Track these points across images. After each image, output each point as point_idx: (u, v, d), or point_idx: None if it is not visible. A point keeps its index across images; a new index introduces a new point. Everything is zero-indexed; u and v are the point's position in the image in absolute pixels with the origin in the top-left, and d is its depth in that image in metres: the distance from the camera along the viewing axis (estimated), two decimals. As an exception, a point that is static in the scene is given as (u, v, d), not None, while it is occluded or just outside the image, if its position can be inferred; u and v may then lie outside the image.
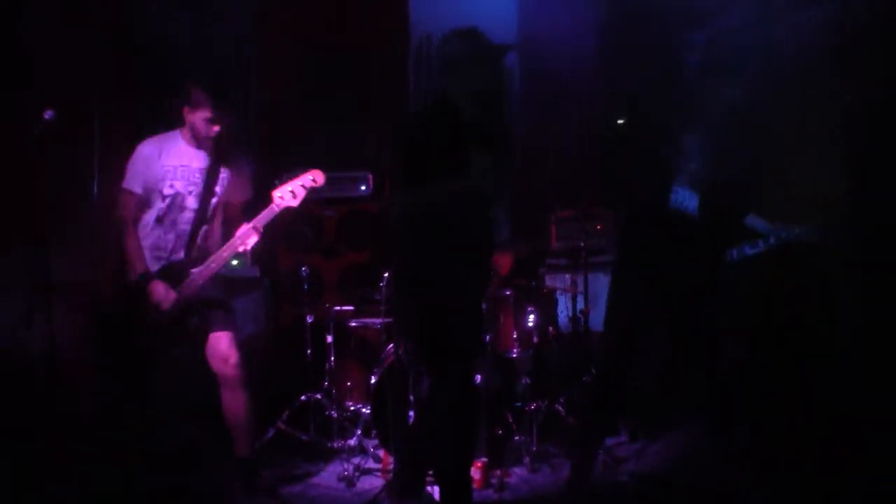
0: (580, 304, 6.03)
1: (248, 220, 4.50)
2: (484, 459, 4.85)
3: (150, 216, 4.48)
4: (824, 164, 5.78)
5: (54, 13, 5.45)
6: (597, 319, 6.06)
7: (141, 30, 6.04)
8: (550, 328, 5.74)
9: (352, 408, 5.63)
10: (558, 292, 6.18)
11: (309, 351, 5.75)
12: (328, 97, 6.98)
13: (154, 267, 4.45)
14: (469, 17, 7.28)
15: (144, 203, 4.46)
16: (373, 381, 5.30)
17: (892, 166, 5.47)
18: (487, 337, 5.31)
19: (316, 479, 5.06)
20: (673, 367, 5.30)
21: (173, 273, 4.46)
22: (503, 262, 5.90)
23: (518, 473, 4.99)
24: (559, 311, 6.13)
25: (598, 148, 7.22)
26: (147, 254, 4.45)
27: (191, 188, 4.51)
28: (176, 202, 4.48)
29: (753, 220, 4.49)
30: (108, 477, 4.46)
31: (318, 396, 5.58)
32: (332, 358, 5.63)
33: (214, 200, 4.61)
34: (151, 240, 4.47)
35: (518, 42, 7.38)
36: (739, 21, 6.10)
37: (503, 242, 5.94)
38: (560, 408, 5.52)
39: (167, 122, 4.61)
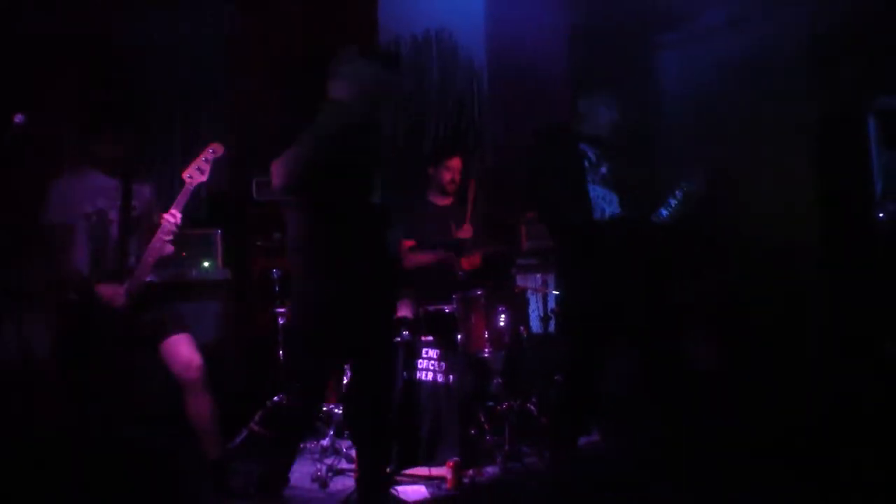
0: (551, 304, 6.08)
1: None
2: (456, 459, 4.86)
3: (81, 237, 4.56)
4: (794, 166, 5.87)
5: (27, 14, 5.42)
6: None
7: (115, 31, 6.02)
8: (522, 328, 5.77)
9: (324, 408, 5.63)
10: (529, 292, 6.22)
11: (281, 352, 5.76)
12: (298, 99, 6.97)
13: (97, 278, 4.53)
14: (437, 19, 7.37)
15: (71, 230, 4.55)
16: (345, 381, 5.31)
17: (861, 169, 5.56)
18: (459, 337, 5.34)
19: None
20: (639, 369, 5.35)
21: (115, 278, 4.53)
22: (472, 260, 5.94)
23: (491, 473, 5.02)
24: (531, 310, 6.16)
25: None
26: (86, 270, 4.53)
27: (111, 203, 4.62)
28: (101, 217, 4.59)
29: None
30: (77, 482, 4.45)
31: (291, 398, 5.58)
32: (305, 359, 5.62)
33: (135, 213, 4.69)
34: (89, 258, 4.56)
35: (486, 43, 7.42)
36: (712, 24, 6.18)
37: (472, 242, 5.96)
38: (532, 407, 5.56)
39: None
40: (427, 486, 4.85)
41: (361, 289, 4.01)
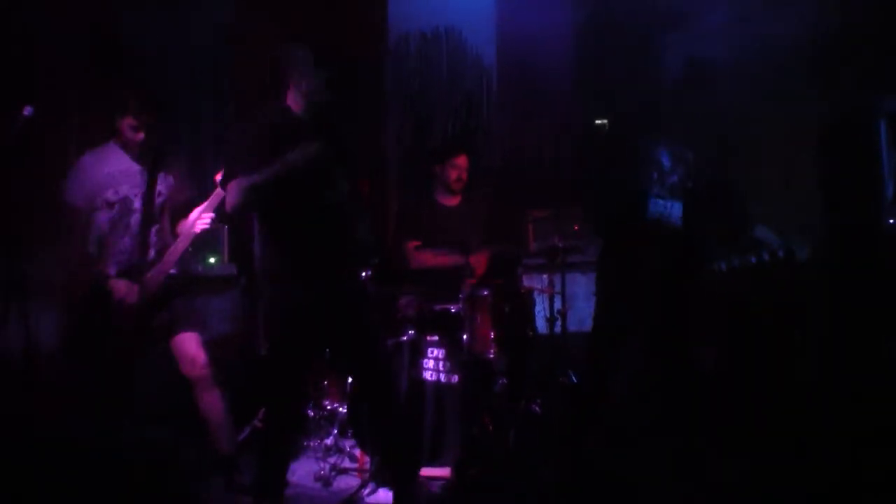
0: (558, 305, 6.05)
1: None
2: (460, 459, 4.86)
3: (101, 224, 4.53)
4: (799, 171, 5.83)
5: (33, 11, 5.42)
6: (574, 320, 6.10)
7: (119, 29, 6.02)
8: (528, 329, 5.75)
9: (328, 407, 5.62)
10: (536, 293, 6.19)
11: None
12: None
13: (114, 271, 4.51)
14: (447, 17, 7.35)
15: (91, 213, 4.52)
16: (349, 380, 5.30)
17: (865, 167, 5.52)
18: (465, 337, 5.33)
19: (292, 478, 5.05)
20: (646, 374, 5.34)
21: (133, 273, 4.52)
22: (479, 261, 5.91)
23: (494, 474, 5.00)
24: (537, 311, 6.14)
25: (575, 148, 7.26)
26: (103, 260, 4.51)
27: (135, 191, 4.58)
28: (125, 206, 4.55)
29: (763, 233, 4.50)
30: (85, 477, 4.45)
31: (295, 395, 5.58)
32: (309, 357, 5.62)
33: (160, 200, 4.67)
34: (108, 246, 4.52)
35: (496, 42, 7.39)
36: (717, 23, 6.13)
37: (480, 242, 5.94)
38: (537, 408, 5.54)
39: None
40: (431, 486, 4.83)
41: (325, 291, 4.08)
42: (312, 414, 5.51)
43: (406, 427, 4.71)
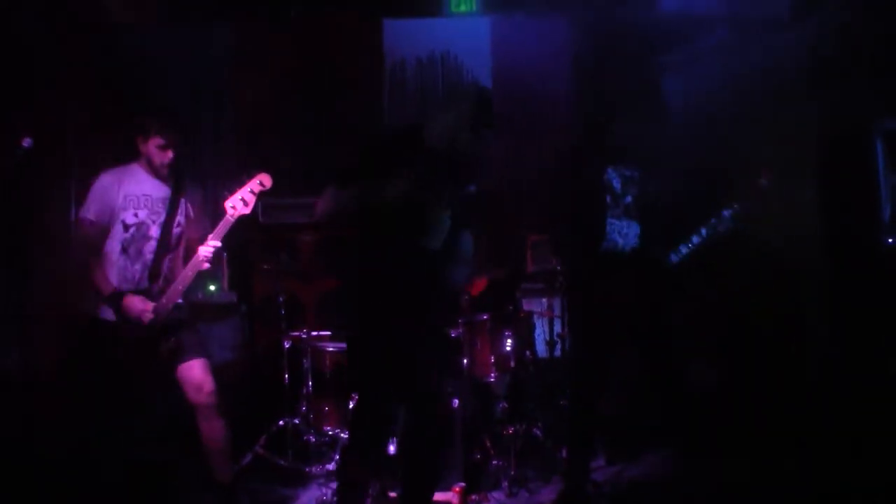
0: (557, 328, 6.06)
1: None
2: (462, 484, 4.85)
3: (113, 246, 4.47)
4: (796, 186, 5.84)
5: (33, 41, 5.46)
6: (573, 343, 6.10)
7: (118, 57, 6.05)
8: (527, 352, 5.76)
9: (329, 432, 5.60)
10: (535, 316, 6.20)
11: (286, 376, 5.76)
12: (303, 122, 7.01)
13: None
14: (443, 42, 7.40)
15: (105, 232, 4.46)
16: (350, 406, 5.29)
17: (862, 187, 5.53)
18: (465, 361, 5.33)
19: (296, 506, 5.07)
20: (640, 390, 5.35)
21: (145, 294, 4.45)
22: (476, 284, 5.93)
23: (496, 498, 5.00)
24: (536, 334, 6.15)
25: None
26: (114, 280, 4.44)
27: (154, 217, 4.52)
28: (140, 231, 4.48)
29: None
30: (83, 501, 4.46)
31: (296, 421, 5.60)
32: (310, 383, 5.63)
33: (178, 230, 4.60)
34: (117, 270, 4.46)
35: (491, 66, 7.43)
36: (714, 45, 6.16)
37: (478, 265, 5.94)
38: (538, 432, 5.54)
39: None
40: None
41: (400, 331, 3.88)
42: (313, 440, 5.50)
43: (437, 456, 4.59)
